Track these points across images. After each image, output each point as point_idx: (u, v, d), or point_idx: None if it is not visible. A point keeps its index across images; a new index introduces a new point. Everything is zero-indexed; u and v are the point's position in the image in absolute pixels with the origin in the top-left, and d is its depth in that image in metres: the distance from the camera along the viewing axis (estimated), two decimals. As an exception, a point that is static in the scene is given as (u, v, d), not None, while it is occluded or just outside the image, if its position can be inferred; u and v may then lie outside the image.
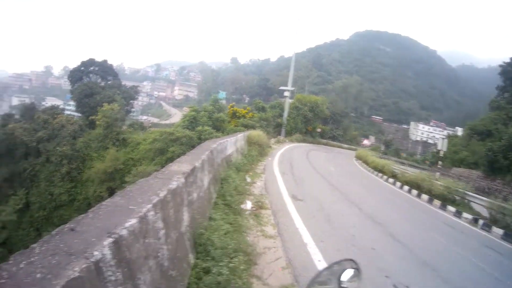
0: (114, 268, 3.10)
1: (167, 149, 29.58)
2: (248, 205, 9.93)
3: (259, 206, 10.19)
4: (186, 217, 5.52)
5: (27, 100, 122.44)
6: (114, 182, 30.50)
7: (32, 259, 2.93)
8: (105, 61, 50.33)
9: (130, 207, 4.11)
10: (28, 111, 41.89)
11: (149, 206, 4.16)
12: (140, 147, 33.74)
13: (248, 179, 13.84)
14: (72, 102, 62.00)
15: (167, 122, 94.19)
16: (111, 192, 29.78)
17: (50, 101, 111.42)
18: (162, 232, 4.45)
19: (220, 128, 34.84)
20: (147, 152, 32.18)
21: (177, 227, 5.05)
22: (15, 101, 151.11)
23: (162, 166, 23.62)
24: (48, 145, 35.37)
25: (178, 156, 23.75)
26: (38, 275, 2.61)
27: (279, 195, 12.08)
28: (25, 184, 35.53)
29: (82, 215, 3.84)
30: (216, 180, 10.16)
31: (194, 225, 5.95)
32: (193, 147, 29.51)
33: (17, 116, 43.75)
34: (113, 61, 51.43)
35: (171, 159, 27.09)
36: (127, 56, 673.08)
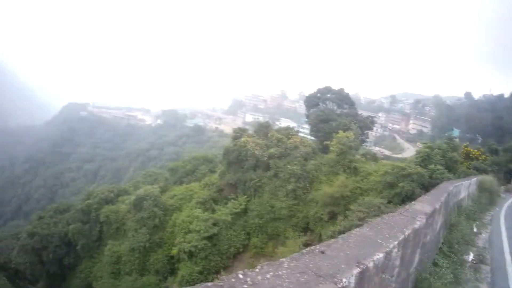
0: (351, 298, 3.41)
1: (397, 184, 28.30)
2: (470, 256, 9.69)
3: (480, 260, 9.89)
4: (417, 258, 5.59)
5: (261, 118, 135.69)
6: (337, 207, 30.13)
7: (279, 272, 3.33)
8: (341, 89, 51.20)
9: (378, 240, 4.30)
10: (263, 128, 44.50)
11: (395, 242, 4.28)
12: (370, 178, 32.96)
13: (475, 229, 13.46)
14: (306, 126, 65.01)
15: (399, 156, 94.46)
16: (332, 216, 30.68)
17: (284, 122, 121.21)
18: (397, 270, 4.49)
19: (452, 169, 33.63)
20: (376, 183, 31.29)
21: (408, 267, 5.07)
22: (249, 118, 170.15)
23: (389, 201, 21.51)
24: (278, 162, 36.98)
25: (407, 193, 22.20)
26: None
27: (501, 252, 11.24)
28: (248, 192, 38.16)
29: (333, 240, 4.44)
30: (446, 224, 10.22)
31: (420, 267, 5.89)
32: (423, 185, 27.45)
33: (250, 131, 47.34)
34: (349, 90, 51.79)
35: (398, 195, 27.94)
36: (363, 85, 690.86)
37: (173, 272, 38.26)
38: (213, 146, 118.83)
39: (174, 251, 36.89)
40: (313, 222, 32.83)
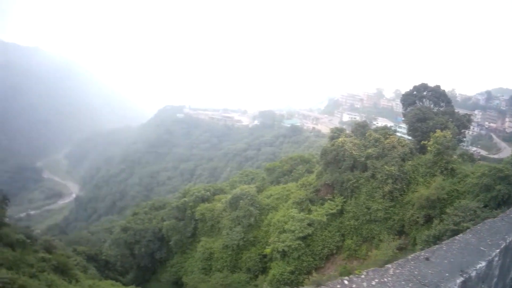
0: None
1: (494, 187, 26.83)
2: None
3: None
4: (516, 268, 4.56)
5: (358, 118, 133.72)
6: (433, 210, 29.65)
7: (385, 279, 3.36)
8: (437, 86, 49.50)
9: (480, 247, 4.17)
10: (360, 128, 44.57)
11: (497, 251, 4.20)
12: (467, 180, 31.66)
13: None
14: (403, 125, 63.49)
15: (495, 156, 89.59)
16: (427, 220, 30.06)
17: (381, 122, 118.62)
18: (494, 280, 4.30)
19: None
20: (473, 186, 29.97)
21: (505, 277, 4.84)
22: (345, 117, 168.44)
23: (485, 205, 21.54)
24: (376, 162, 36.78)
25: (503, 196, 21.55)
26: None
27: None
28: (345, 193, 38.03)
29: (437, 245, 4.39)
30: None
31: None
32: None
33: (347, 131, 47.25)
34: (445, 87, 49.90)
35: (495, 198, 26.29)
36: (458, 82, 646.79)
37: (264, 270, 39.42)
38: (310, 146, 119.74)
39: (268, 250, 37.95)
40: (408, 225, 32.64)
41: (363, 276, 3.63)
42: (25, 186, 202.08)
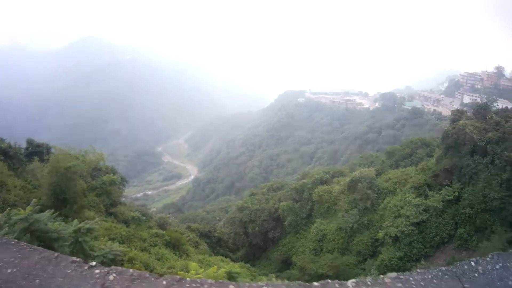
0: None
1: None
2: None
3: None
4: None
5: (479, 100, 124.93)
6: None
7: (508, 264, 3.65)
8: None
9: None
10: (481, 110, 42.16)
11: None
12: None
13: None
14: (525, 106, 58.61)
15: None
16: None
17: (501, 103, 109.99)
18: None
19: None
20: None
21: None
22: (466, 99, 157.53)
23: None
24: (496, 147, 34.74)
25: None
26: (510, 283, 3.24)
27: None
28: (463, 180, 36.56)
29: None
30: None
31: None
32: None
33: (468, 114, 45.10)
34: None
35: None
36: None
37: (374, 255, 39.28)
38: (431, 130, 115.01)
39: (380, 234, 37.69)
40: None
41: (488, 259, 3.80)
42: (144, 169, 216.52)
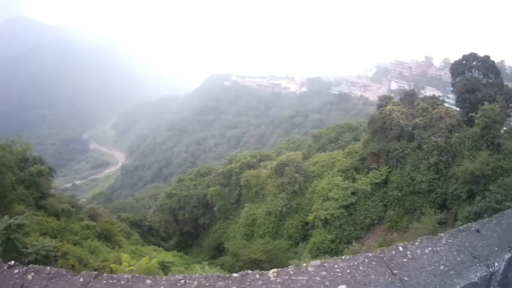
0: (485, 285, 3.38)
1: None
2: None
3: None
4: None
5: (406, 87, 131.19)
6: (477, 186, 28.87)
7: (437, 248, 3.67)
8: (487, 56, 47.16)
9: None
10: (408, 96, 43.36)
11: None
12: None
13: None
14: (451, 95, 62.10)
15: None
16: (470, 195, 29.50)
17: (429, 91, 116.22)
18: None
19: None
20: None
21: None
22: (394, 85, 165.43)
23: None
24: (423, 132, 35.97)
25: None
26: (442, 267, 3.25)
27: None
28: (390, 163, 37.50)
29: (487, 218, 4.67)
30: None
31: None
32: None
33: (395, 100, 46.51)
34: (494, 58, 47.70)
35: None
36: (508, 53, 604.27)
37: (305, 238, 39.70)
38: (357, 114, 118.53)
39: (310, 217, 38.08)
40: (451, 199, 32.06)
41: (417, 243, 3.82)
42: (72, 158, 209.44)
